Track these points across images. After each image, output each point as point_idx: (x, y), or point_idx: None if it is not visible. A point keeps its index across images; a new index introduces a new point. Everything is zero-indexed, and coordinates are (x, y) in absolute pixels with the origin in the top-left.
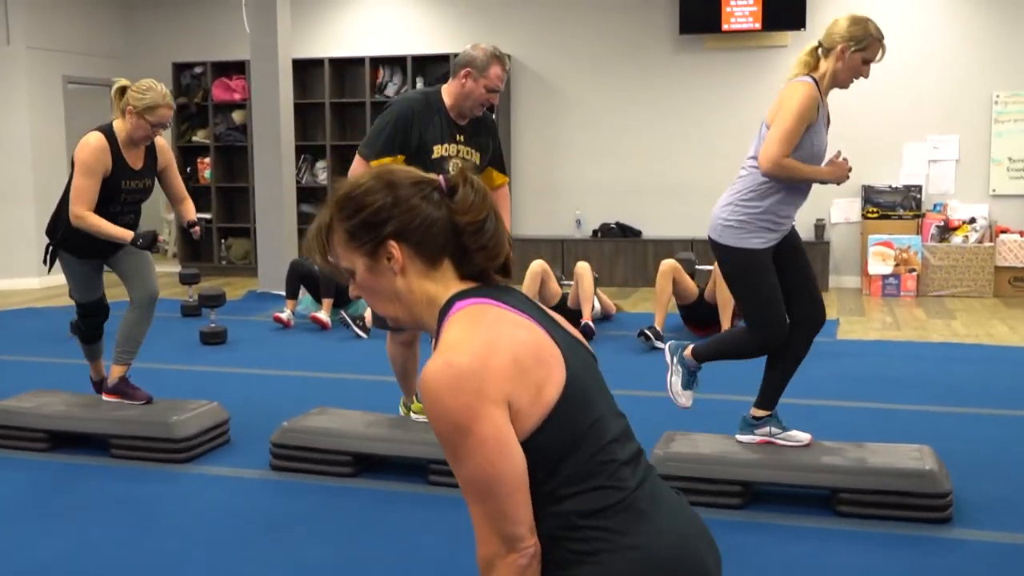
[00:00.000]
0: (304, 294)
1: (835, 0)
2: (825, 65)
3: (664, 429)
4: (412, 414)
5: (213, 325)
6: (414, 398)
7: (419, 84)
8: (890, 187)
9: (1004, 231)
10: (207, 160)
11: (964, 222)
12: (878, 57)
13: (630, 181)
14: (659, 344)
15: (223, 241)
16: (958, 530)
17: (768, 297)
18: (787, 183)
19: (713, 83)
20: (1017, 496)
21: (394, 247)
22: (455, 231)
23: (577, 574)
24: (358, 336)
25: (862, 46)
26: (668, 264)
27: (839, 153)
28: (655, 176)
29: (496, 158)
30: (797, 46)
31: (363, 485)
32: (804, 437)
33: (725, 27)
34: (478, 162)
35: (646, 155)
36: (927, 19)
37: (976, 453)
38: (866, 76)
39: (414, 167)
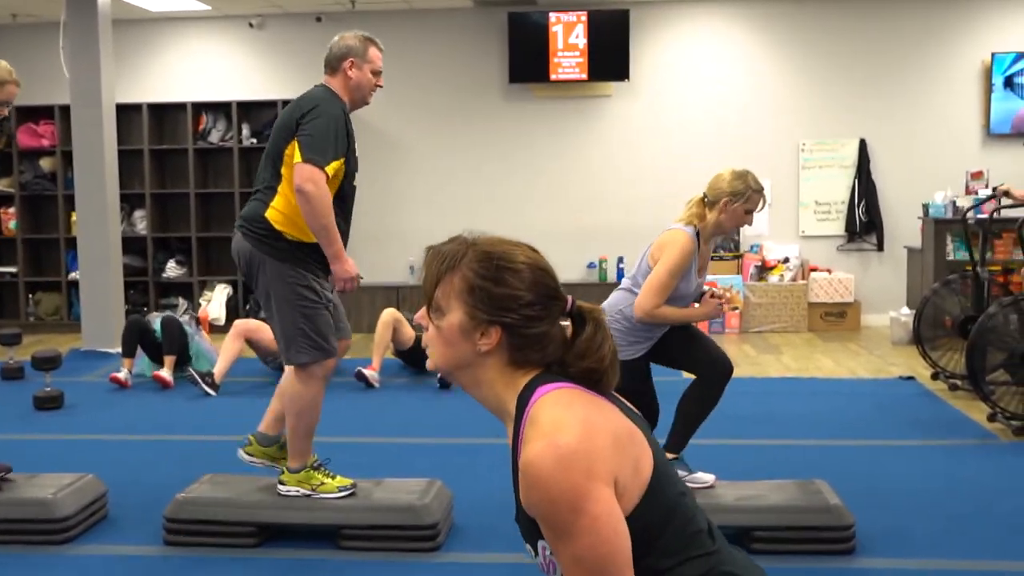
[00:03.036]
0: (141, 355)
1: (654, 53)
2: (710, 216)
3: None
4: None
5: (48, 389)
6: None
7: (244, 130)
8: None
9: (814, 269)
10: (11, 210)
11: (779, 262)
12: (759, 207)
13: (462, 227)
14: None
15: (30, 296)
16: (863, 560)
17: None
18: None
19: (542, 130)
20: (908, 523)
21: (496, 334)
22: (562, 358)
23: None
24: (206, 393)
25: (743, 199)
26: None
27: (712, 293)
28: (487, 222)
29: None
30: (620, 95)
31: (269, 555)
32: (709, 478)
33: (553, 77)
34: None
35: (478, 201)
36: (742, 73)
37: (858, 484)
38: (750, 224)
39: (348, 170)
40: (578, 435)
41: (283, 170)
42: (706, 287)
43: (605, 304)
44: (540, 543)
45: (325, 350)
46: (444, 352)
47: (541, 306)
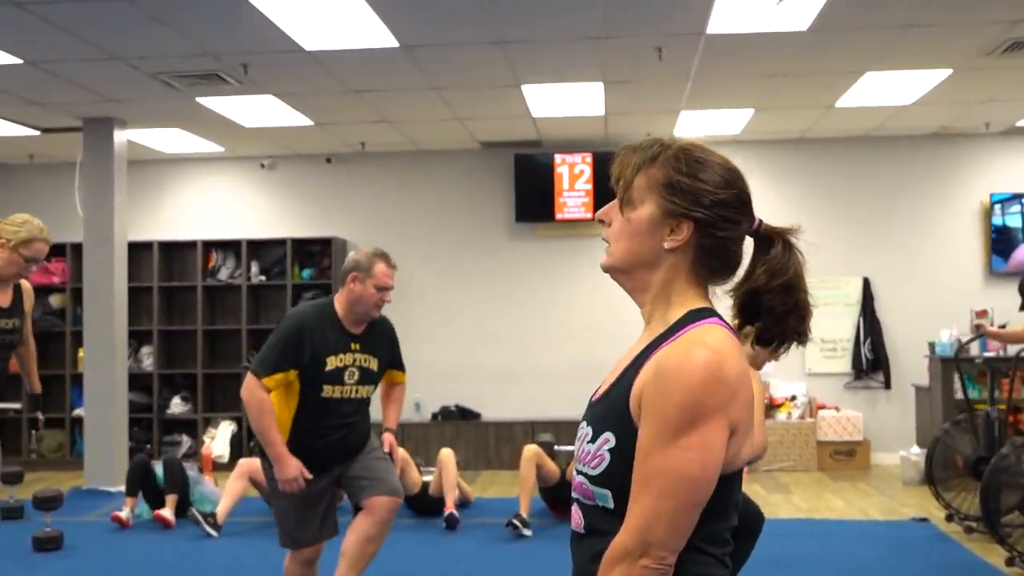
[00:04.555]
0: (140, 500)
1: None
2: None
3: None
4: None
5: (48, 530)
6: None
7: (253, 268)
8: None
9: (821, 407)
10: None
11: (786, 399)
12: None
13: (468, 364)
14: (527, 532)
15: (34, 432)
16: None
17: None
18: None
19: (548, 268)
20: None
21: (686, 231)
22: (751, 284)
23: None
24: (208, 535)
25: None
26: (531, 450)
27: None
28: (492, 358)
29: (396, 359)
30: None
31: None
32: None
33: (558, 216)
34: (375, 368)
35: (483, 338)
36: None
37: None
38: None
39: (308, 381)
40: (736, 369)
41: None
42: None
43: None
44: (605, 435)
45: (285, 542)
46: (628, 246)
47: (734, 208)
